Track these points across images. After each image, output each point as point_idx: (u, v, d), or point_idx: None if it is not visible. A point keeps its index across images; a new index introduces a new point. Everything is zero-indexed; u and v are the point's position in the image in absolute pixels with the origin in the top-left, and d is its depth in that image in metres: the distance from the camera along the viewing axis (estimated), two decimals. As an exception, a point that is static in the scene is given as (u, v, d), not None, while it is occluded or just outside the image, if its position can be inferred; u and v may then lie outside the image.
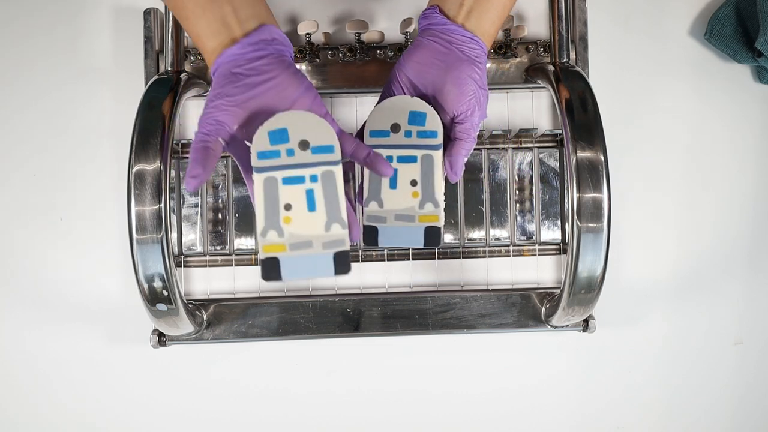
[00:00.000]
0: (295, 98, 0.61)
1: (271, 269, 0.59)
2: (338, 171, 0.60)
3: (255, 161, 0.59)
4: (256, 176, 0.59)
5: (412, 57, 0.65)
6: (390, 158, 0.65)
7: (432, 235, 0.65)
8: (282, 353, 0.85)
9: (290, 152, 0.59)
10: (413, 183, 0.65)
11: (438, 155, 0.64)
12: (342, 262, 0.60)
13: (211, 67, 0.62)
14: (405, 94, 0.65)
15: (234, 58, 0.61)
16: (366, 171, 0.65)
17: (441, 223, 0.65)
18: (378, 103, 0.66)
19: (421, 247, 0.65)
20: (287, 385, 0.85)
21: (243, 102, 0.60)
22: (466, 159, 0.66)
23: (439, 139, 0.64)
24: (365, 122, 0.66)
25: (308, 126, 0.60)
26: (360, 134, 0.66)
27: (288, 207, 0.59)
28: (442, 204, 0.65)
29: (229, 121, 0.60)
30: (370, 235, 0.65)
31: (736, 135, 0.87)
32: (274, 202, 0.59)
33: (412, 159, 0.65)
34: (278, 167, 0.59)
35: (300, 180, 0.59)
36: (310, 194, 0.60)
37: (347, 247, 0.60)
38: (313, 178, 0.60)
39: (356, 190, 0.68)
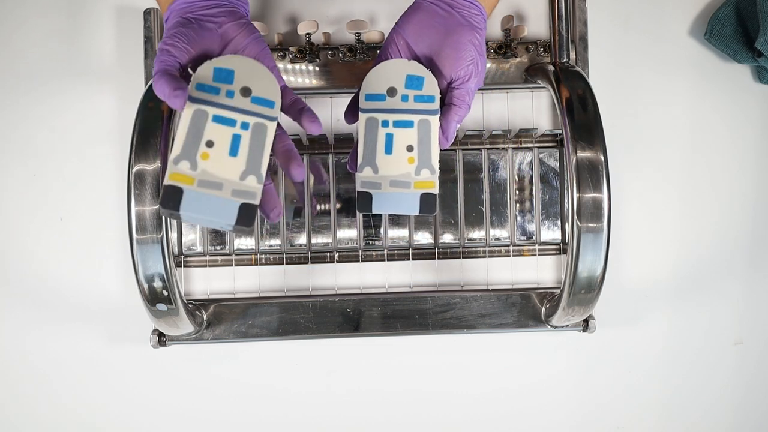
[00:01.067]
0: (244, 45, 0.62)
1: (171, 198, 0.57)
2: (271, 128, 0.59)
3: (192, 90, 0.58)
4: (188, 104, 0.58)
5: (410, 19, 0.65)
6: (386, 122, 0.64)
7: (428, 202, 0.64)
8: (282, 353, 0.85)
9: (230, 94, 0.59)
10: (409, 148, 0.63)
11: (435, 120, 0.63)
12: (246, 215, 0.58)
13: (164, 14, 0.63)
14: (402, 57, 0.64)
15: (186, 6, 0.62)
16: (360, 136, 0.64)
17: (437, 190, 0.64)
18: (374, 66, 0.65)
19: (416, 214, 0.64)
20: (287, 384, 0.85)
21: (194, 41, 0.60)
22: (458, 125, 0.65)
23: (437, 104, 0.63)
24: (360, 85, 0.64)
25: (256, 76, 0.59)
26: (356, 98, 0.65)
27: (210, 144, 0.58)
28: (438, 170, 0.64)
29: (182, 57, 0.60)
30: (364, 201, 0.64)
31: (736, 135, 0.87)
32: (197, 135, 0.58)
33: (408, 124, 0.63)
34: (213, 104, 0.59)
35: (231, 122, 0.59)
36: (236, 139, 0.58)
37: (256, 202, 0.58)
38: (244, 126, 0.59)
39: (350, 155, 0.67)
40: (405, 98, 0.63)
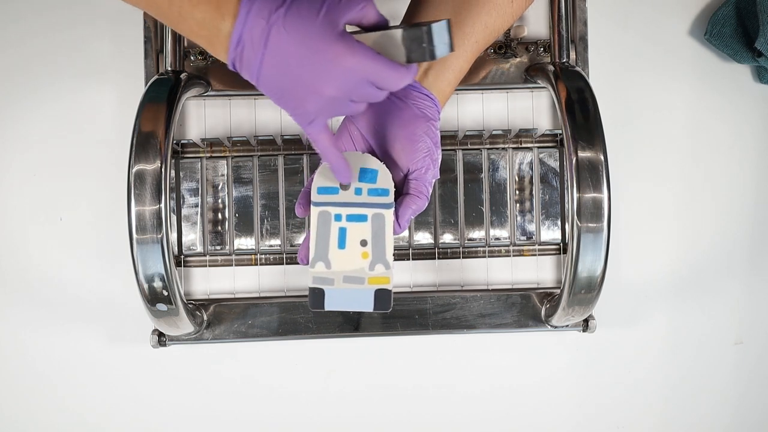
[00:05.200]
0: None
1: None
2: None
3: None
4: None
5: (365, 111, 0.63)
6: (339, 216, 0.62)
7: (382, 298, 0.62)
8: (282, 353, 0.85)
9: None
10: (363, 243, 0.62)
11: (389, 214, 0.62)
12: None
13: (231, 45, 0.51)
14: (355, 147, 0.63)
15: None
16: (312, 230, 0.62)
17: (392, 286, 0.62)
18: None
19: (371, 310, 0.62)
20: (287, 384, 0.85)
21: None
22: (414, 215, 0.63)
23: (391, 198, 0.62)
24: (312, 177, 0.63)
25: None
26: (308, 190, 0.64)
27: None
28: (393, 265, 0.62)
29: None
30: (316, 298, 0.62)
31: (736, 135, 0.87)
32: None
33: (362, 218, 0.62)
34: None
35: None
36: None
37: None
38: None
39: (300, 246, 0.65)
40: (358, 191, 0.62)
